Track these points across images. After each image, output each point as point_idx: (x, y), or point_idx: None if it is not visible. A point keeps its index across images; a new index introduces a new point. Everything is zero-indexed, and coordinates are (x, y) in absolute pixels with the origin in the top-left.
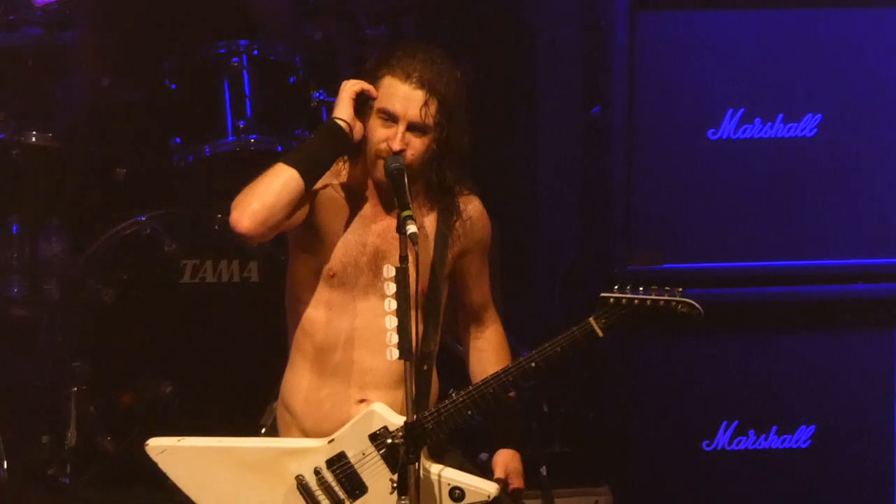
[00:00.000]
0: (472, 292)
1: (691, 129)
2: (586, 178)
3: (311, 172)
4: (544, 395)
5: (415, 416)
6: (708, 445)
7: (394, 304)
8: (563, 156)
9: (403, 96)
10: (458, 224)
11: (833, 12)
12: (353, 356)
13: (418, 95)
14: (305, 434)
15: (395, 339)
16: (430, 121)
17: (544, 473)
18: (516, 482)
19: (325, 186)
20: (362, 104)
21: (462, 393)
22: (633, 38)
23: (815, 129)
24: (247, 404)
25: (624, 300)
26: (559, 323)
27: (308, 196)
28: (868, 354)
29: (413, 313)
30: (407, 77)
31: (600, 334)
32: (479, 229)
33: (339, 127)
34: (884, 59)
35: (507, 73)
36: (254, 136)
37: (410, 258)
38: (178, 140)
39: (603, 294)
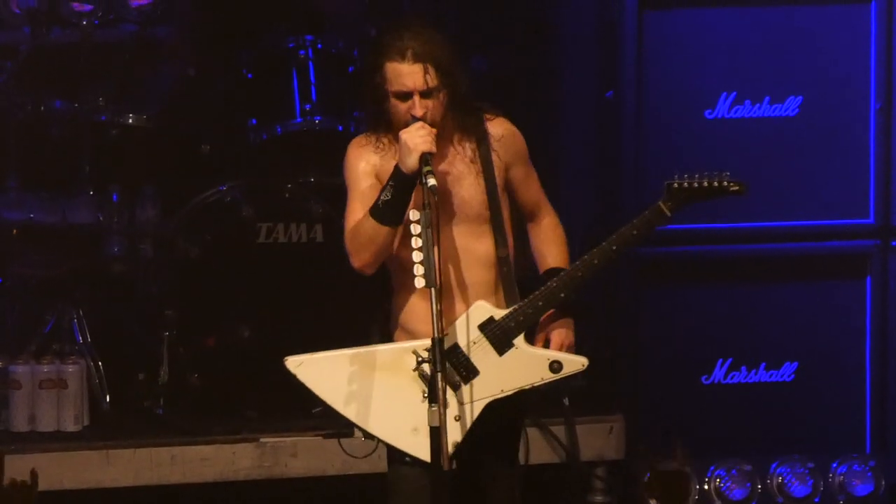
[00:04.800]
0: (524, 196)
1: (691, 110)
2: (602, 150)
3: (396, 220)
4: None
5: (505, 312)
6: (706, 379)
7: (419, 242)
8: (583, 132)
9: (407, 73)
10: (494, 144)
11: (813, 9)
12: (453, 275)
13: (417, 68)
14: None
15: (420, 270)
16: (434, 83)
17: (567, 404)
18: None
19: (382, 163)
20: (376, 93)
21: (561, 275)
22: (641, 33)
23: (797, 109)
24: (310, 346)
25: (686, 184)
26: None
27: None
28: (843, 301)
29: (435, 248)
30: (403, 56)
31: (668, 214)
32: (514, 143)
33: (409, 177)
34: (853, 49)
35: (535, 62)
36: (318, 117)
37: (432, 204)
38: (253, 121)
39: (667, 181)
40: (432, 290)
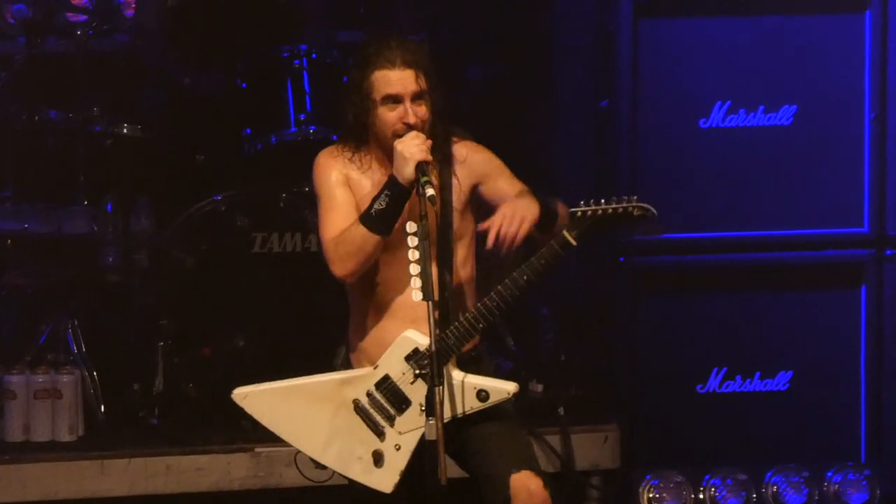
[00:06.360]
0: (508, 195)
1: (685, 119)
2: (596, 160)
3: (388, 229)
4: (562, 346)
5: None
6: (701, 388)
7: (416, 255)
8: (578, 141)
9: (398, 79)
10: (456, 168)
11: (807, 19)
12: (399, 297)
13: (409, 73)
14: (375, 364)
15: (418, 283)
16: (424, 88)
17: (562, 413)
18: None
19: (354, 177)
20: (363, 100)
21: (473, 309)
22: (636, 42)
23: (792, 119)
24: (305, 355)
25: (589, 211)
26: (575, 282)
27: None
28: (838, 310)
29: (432, 260)
30: (393, 64)
31: (574, 243)
32: (479, 160)
33: (405, 187)
34: (848, 58)
35: (528, 72)
36: (313, 127)
37: (430, 215)
38: (248, 131)
39: (572, 209)
40: (429, 303)
